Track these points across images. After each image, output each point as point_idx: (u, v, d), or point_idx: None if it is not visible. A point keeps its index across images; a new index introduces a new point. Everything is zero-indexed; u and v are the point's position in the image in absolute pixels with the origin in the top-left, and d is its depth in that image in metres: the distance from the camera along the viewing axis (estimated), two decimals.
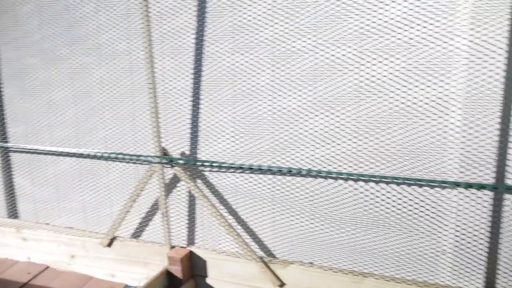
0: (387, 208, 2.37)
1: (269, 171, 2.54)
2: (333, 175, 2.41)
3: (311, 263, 2.58)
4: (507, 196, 2.19)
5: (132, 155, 2.84)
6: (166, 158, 2.66)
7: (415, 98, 2.22)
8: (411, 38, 2.16)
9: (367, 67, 2.26)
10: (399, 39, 2.18)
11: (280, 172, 2.52)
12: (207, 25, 2.53)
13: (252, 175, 2.61)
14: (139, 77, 2.76)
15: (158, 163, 2.66)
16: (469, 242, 2.27)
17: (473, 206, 2.23)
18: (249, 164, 2.56)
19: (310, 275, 2.52)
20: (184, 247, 2.80)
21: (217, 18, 2.50)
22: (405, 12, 2.14)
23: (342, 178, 2.42)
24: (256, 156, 2.57)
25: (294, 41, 2.37)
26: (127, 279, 2.95)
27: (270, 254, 2.69)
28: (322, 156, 2.43)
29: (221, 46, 2.52)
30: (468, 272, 2.31)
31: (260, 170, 2.56)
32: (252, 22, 2.43)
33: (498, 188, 2.16)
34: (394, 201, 2.35)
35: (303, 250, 2.60)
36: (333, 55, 2.31)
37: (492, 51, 2.05)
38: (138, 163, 2.90)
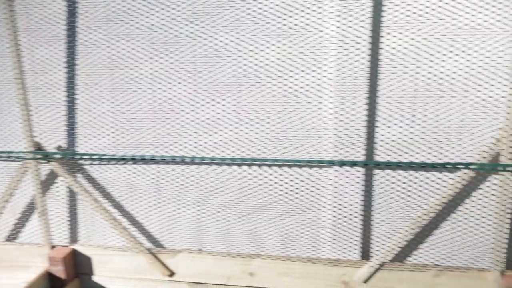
0: (270, 190, 2.47)
1: (152, 160, 2.52)
2: (216, 161, 2.44)
3: (200, 250, 2.61)
4: (376, 171, 2.39)
5: (1, 152, 2.64)
6: (40, 153, 2.52)
7: (291, 83, 2.31)
8: (284, 25, 2.24)
9: (245, 53, 2.31)
10: (273, 25, 2.25)
11: (163, 161, 2.50)
12: (80, 12, 2.41)
13: (135, 165, 2.57)
14: (4, 68, 2.56)
15: (32, 158, 2.51)
16: (345, 216, 2.44)
17: (347, 182, 2.39)
18: (131, 155, 2.50)
19: (199, 261, 2.55)
20: (67, 246, 2.68)
21: (90, 3, 2.39)
22: None
23: (226, 164, 2.46)
24: (138, 146, 2.53)
25: (171, 28, 2.34)
26: (4, 285, 2.76)
27: (158, 244, 2.67)
28: (205, 143, 2.46)
29: (96, 33, 2.43)
30: (346, 244, 2.48)
31: (143, 160, 2.52)
32: (127, 8, 2.36)
33: (368, 164, 2.34)
34: (276, 182, 2.45)
35: (191, 237, 2.62)
36: (211, 42, 2.32)
37: (357, 37, 2.20)
38: (10, 160, 2.70)
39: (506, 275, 2.30)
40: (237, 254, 2.52)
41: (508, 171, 2.19)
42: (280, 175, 2.44)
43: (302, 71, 2.28)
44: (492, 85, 2.18)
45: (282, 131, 2.37)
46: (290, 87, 2.31)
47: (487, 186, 2.31)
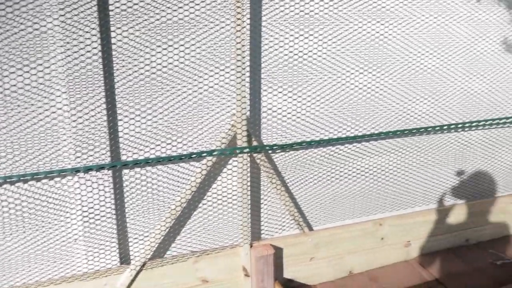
0: (5, 212, 2.18)
1: None
2: None
3: None
4: (124, 171, 2.37)
5: None
6: None
7: (7, 83, 2.06)
8: None
9: None
10: None
11: None
12: None
13: None
14: None
15: None
16: (98, 224, 2.36)
17: (96, 188, 2.30)
18: None
19: None
20: None
21: None
22: None
23: None
24: None
25: None
26: None
27: None
28: None
29: None
30: (103, 253, 2.40)
31: None
32: None
33: (116, 166, 2.30)
34: (10, 203, 2.18)
35: None
36: None
37: (83, 31, 2.10)
38: None
39: (254, 246, 2.62)
40: None
41: (245, 152, 2.47)
42: (15, 193, 2.18)
43: (20, 69, 2.06)
44: (217, 73, 2.40)
45: (8, 142, 2.11)
46: (6, 89, 2.06)
47: (229, 169, 2.56)
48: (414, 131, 2.90)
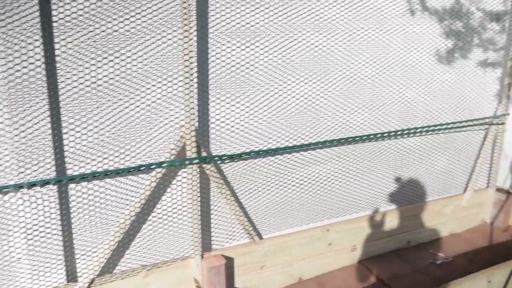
0: None
1: None
2: None
3: None
4: (71, 185, 2.33)
5: None
6: None
7: None
8: None
9: None
10: None
11: None
12: None
13: None
14: None
15: None
16: (43, 242, 2.30)
17: (41, 204, 2.25)
18: None
19: None
20: None
21: None
22: None
23: None
24: None
25: None
26: None
27: None
28: None
29: None
30: (49, 271, 2.34)
31: None
32: None
33: (62, 181, 2.26)
34: None
35: None
36: None
37: (25, 42, 2.06)
38: None
39: (205, 257, 2.64)
40: None
41: (194, 163, 2.50)
42: None
43: None
44: (165, 84, 2.42)
45: None
46: None
47: (178, 180, 2.58)
48: (357, 138, 3.04)
